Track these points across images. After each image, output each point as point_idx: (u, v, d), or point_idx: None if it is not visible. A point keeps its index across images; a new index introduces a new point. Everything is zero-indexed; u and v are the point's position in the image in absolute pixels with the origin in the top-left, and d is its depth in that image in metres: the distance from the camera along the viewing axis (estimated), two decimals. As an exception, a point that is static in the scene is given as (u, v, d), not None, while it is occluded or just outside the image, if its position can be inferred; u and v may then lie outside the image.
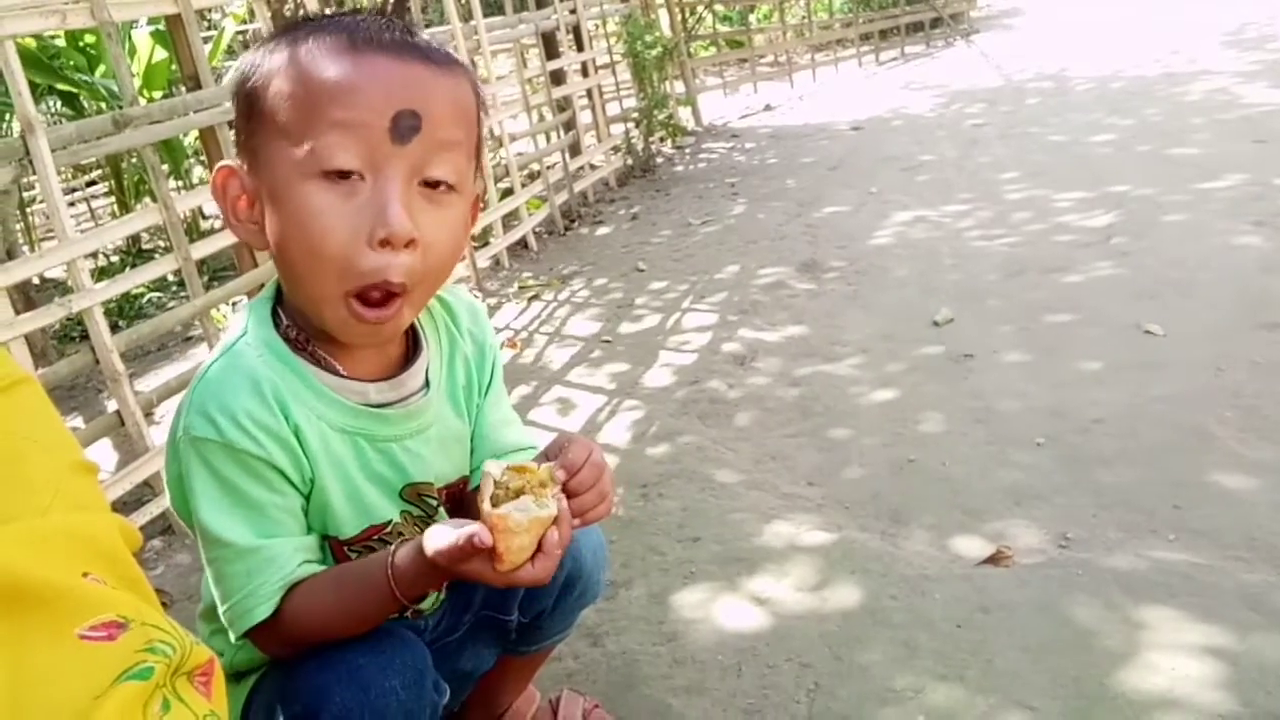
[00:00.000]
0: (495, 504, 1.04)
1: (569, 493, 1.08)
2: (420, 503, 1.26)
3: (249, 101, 1.09)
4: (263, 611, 1.10)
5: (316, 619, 1.12)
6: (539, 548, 1.04)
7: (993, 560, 2.05)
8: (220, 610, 1.12)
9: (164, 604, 2.31)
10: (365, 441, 1.19)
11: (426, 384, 1.25)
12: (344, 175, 1.03)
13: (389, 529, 1.24)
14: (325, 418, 1.15)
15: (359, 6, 8.68)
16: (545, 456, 1.14)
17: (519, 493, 1.05)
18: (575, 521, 1.09)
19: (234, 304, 4.22)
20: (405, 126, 1.03)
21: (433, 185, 1.07)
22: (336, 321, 1.09)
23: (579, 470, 1.09)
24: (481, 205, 1.25)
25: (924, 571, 2.01)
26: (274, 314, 1.18)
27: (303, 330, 1.16)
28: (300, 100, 1.04)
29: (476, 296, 4.37)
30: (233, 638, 1.13)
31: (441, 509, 1.29)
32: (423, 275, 1.08)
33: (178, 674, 0.61)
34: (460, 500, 1.32)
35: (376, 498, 1.22)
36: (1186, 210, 4.13)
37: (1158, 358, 2.88)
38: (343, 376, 1.17)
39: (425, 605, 1.36)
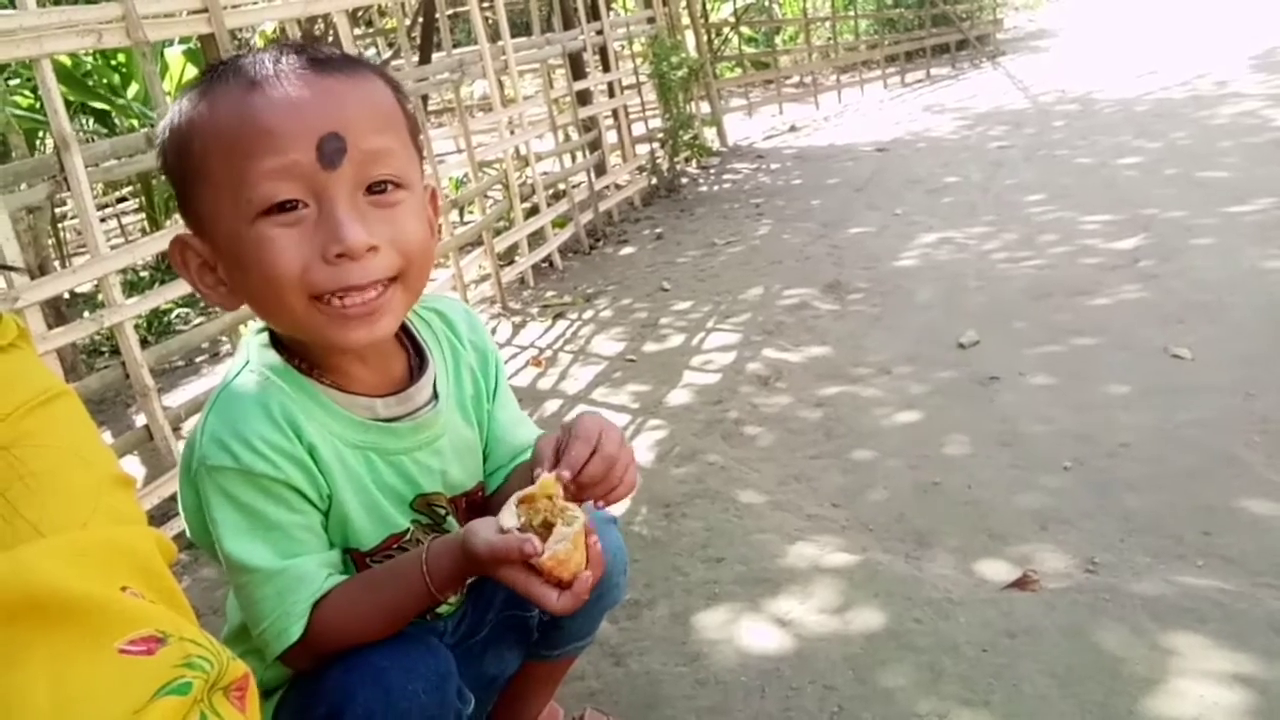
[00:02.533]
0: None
1: (580, 487, 1.12)
2: (430, 512, 1.28)
3: (177, 168, 1.10)
4: (296, 631, 1.11)
5: (347, 624, 1.13)
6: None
7: (1019, 584, 2.03)
8: (254, 633, 1.14)
9: (190, 618, 2.33)
10: (376, 455, 1.21)
11: (435, 396, 1.26)
12: (288, 207, 1.03)
13: (407, 537, 1.25)
14: (337, 434, 1.17)
15: (386, 27, 8.76)
16: (556, 450, 1.15)
17: (546, 525, 1.07)
18: (600, 504, 1.14)
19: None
20: (331, 150, 1.03)
21: (378, 190, 1.07)
22: (319, 327, 1.08)
23: (583, 466, 1.12)
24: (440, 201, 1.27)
25: (949, 595, 2.00)
26: (275, 345, 1.20)
27: (305, 359, 1.18)
28: (225, 154, 1.04)
29: (501, 315, 4.39)
30: (268, 659, 1.14)
31: (450, 518, 1.30)
32: (404, 265, 1.09)
33: (214, 689, 0.61)
34: (479, 508, 1.34)
35: (389, 509, 1.24)
36: (1215, 234, 4.11)
37: (1186, 382, 2.86)
38: (349, 393, 1.19)
39: (443, 609, 1.37)
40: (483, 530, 1.08)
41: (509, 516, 1.07)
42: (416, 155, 1.15)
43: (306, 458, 1.13)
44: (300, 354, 1.18)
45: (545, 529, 1.07)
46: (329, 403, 1.17)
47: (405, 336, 1.27)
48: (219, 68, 1.08)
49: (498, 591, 1.43)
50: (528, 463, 1.31)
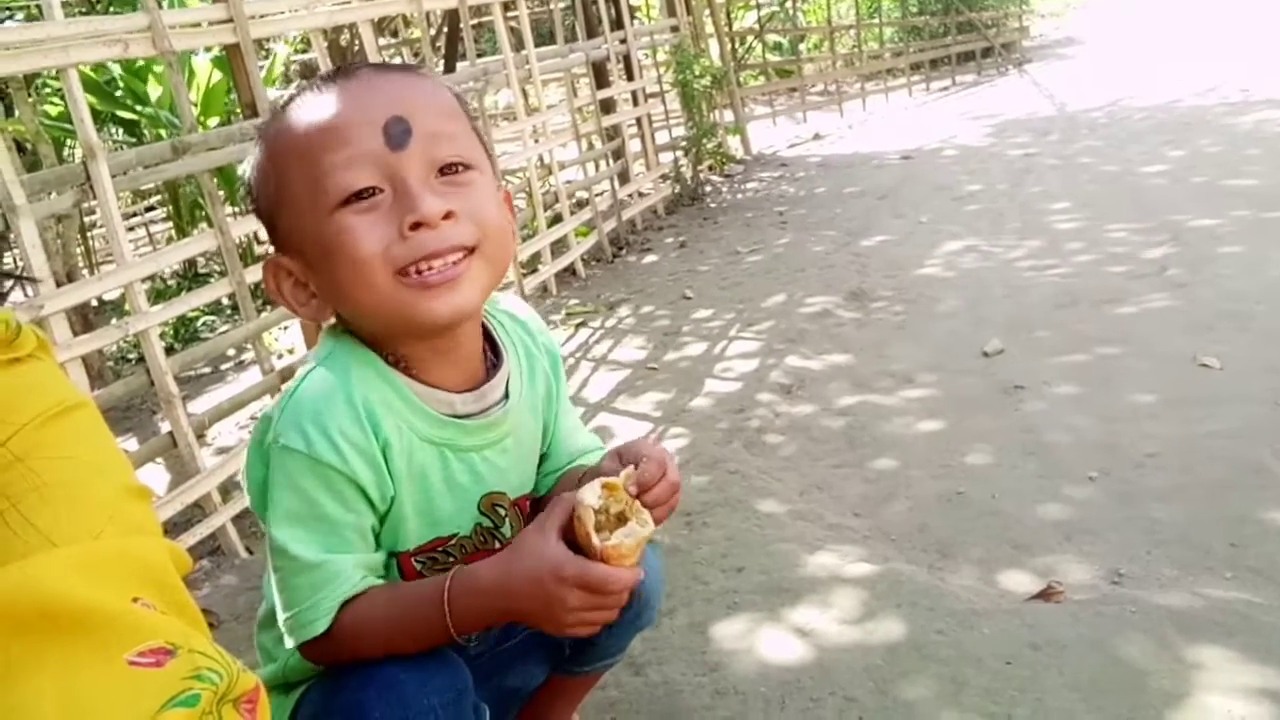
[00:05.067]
0: (598, 530, 1.08)
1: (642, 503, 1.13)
2: (493, 513, 1.28)
3: (262, 195, 1.15)
4: (321, 625, 1.11)
5: (367, 636, 1.13)
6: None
7: (1043, 596, 2.01)
8: (280, 619, 1.15)
9: (211, 625, 2.34)
10: (450, 451, 1.21)
11: (505, 396, 1.27)
12: (364, 195, 1.06)
13: (453, 541, 1.26)
14: (414, 428, 1.17)
15: (411, 37, 8.81)
16: (619, 458, 1.18)
17: (620, 517, 1.09)
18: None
19: (285, 328, 4.28)
20: (397, 132, 1.06)
21: (449, 170, 1.10)
22: (406, 305, 1.08)
23: (653, 487, 1.13)
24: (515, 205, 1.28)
25: (972, 606, 1.98)
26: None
27: (389, 351, 1.18)
28: (299, 160, 1.09)
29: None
30: (287, 645, 1.15)
31: (508, 521, 1.30)
32: (480, 235, 1.10)
33: (224, 701, 0.61)
34: (529, 510, 1.34)
35: (452, 509, 1.24)
36: (1244, 241, 4.06)
37: (1214, 391, 2.82)
38: (430, 386, 1.19)
39: None
40: (541, 544, 1.09)
41: (591, 494, 1.09)
42: (485, 152, 1.17)
43: (379, 456, 1.14)
44: (386, 348, 1.18)
45: (618, 520, 1.09)
46: (410, 395, 1.17)
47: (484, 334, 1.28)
48: (285, 101, 1.14)
49: None
50: (577, 470, 1.33)
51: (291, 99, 1.13)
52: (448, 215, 1.07)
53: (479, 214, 1.10)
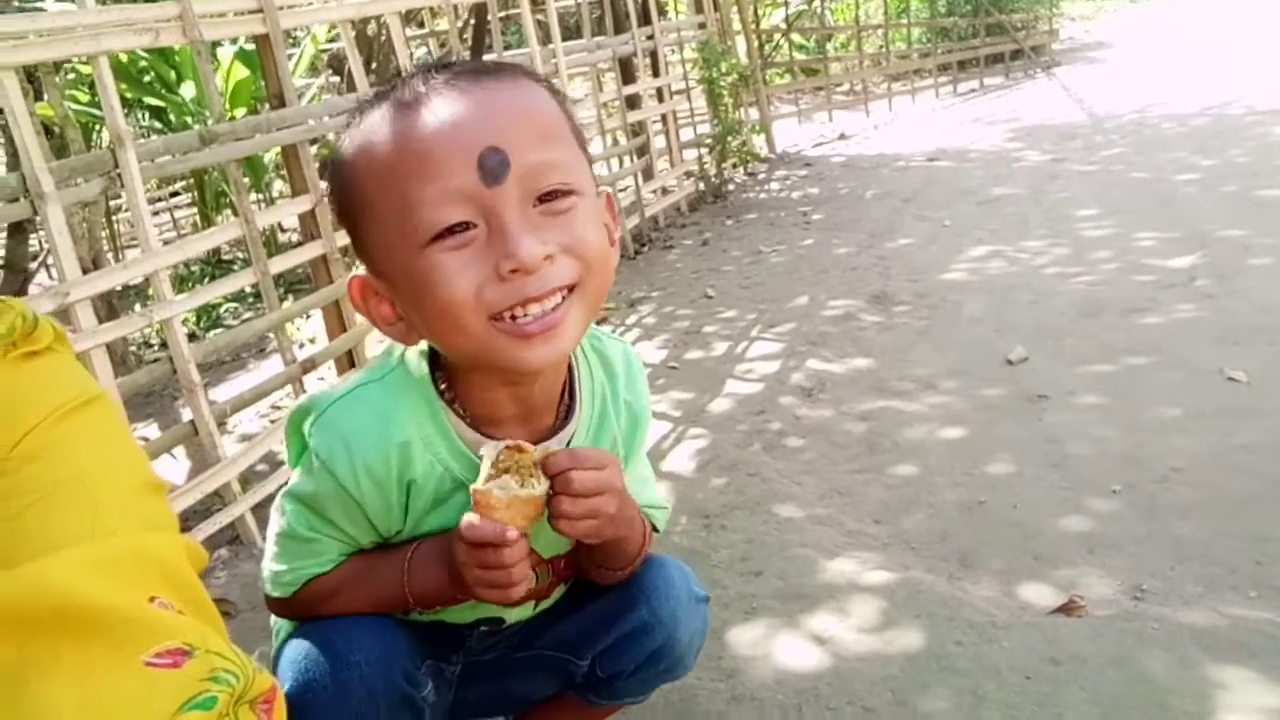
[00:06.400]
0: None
1: (553, 490, 1.10)
2: None
3: (344, 207, 1.09)
4: (288, 591, 1.20)
5: (323, 602, 1.20)
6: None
7: (1064, 610, 1.99)
8: (264, 566, 1.23)
9: (228, 614, 2.35)
10: None
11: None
12: (456, 230, 0.99)
13: None
14: (450, 469, 1.16)
15: (438, 29, 8.82)
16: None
17: (505, 472, 1.08)
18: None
19: (308, 317, 4.29)
20: (493, 165, 0.98)
21: (548, 198, 1.02)
22: (501, 349, 1.03)
23: (558, 473, 1.10)
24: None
25: (992, 618, 1.96)
26: (433, 362, 1.18)
27: (452, 388, 1.16)
28: (385, 185, 1.01)
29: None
30: (263, 586, 1.25)
31: (536, 576, 1.27)
32: (582, 271, 1.04)
33: (240, 702, 0.61)
34: (570, 569, 1.35)
35: None
36: (1275, 254, 4.01)
37: (1241, 405, 2.79)
38: (482, 432, 1.16)
39: (512, 618, 1.36)
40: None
41: (490, 449, 1.10)
42: (586, 160, 1.10)
43: (394, 494, 1.15)
44: (450, 379, 1.16)
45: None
46: (454, 438, 1.15)
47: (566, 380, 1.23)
48: (370, 99, 1.07)
49: (548, 628, 1.41)
50: None
51: (382, 96, 1.05)
52: (547, 258, 1.00)
53: (580, 247, 1.03)
